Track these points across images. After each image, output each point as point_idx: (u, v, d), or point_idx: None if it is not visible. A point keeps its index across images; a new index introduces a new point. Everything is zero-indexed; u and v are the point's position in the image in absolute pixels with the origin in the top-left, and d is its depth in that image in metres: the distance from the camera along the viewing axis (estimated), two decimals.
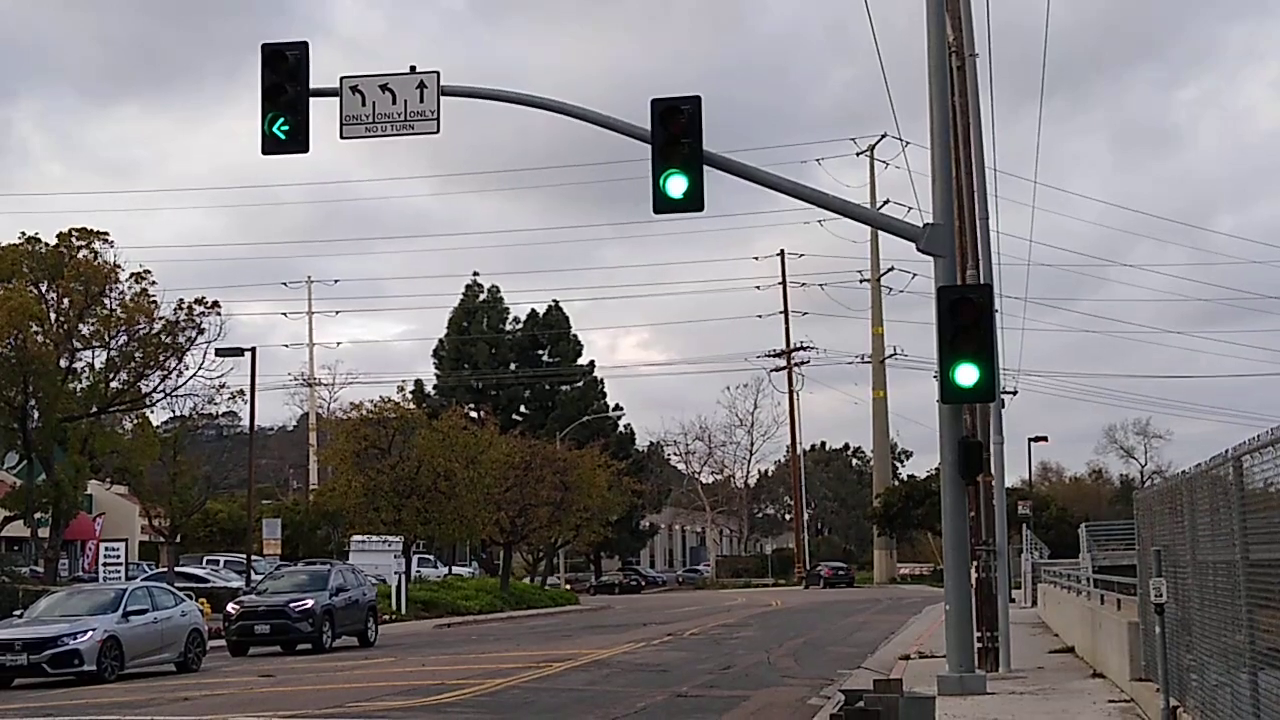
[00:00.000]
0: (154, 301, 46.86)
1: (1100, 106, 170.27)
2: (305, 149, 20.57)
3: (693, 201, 19.56)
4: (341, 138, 20.98)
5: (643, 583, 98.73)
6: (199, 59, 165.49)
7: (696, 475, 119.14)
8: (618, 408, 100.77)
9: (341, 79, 20.96)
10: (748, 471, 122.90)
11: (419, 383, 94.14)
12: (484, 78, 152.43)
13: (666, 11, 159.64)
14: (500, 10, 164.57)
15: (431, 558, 78.04)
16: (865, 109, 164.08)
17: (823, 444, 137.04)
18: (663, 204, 19.61)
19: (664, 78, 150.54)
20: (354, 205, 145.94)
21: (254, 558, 55.13)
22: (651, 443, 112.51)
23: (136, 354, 47.01)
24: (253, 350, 52.12)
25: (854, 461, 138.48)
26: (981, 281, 22.65)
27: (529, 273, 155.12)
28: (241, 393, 51.81)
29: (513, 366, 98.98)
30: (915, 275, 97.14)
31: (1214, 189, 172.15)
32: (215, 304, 47.82)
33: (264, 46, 20.58)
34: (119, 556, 49.80)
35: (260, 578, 45.90)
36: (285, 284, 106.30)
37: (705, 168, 19.62)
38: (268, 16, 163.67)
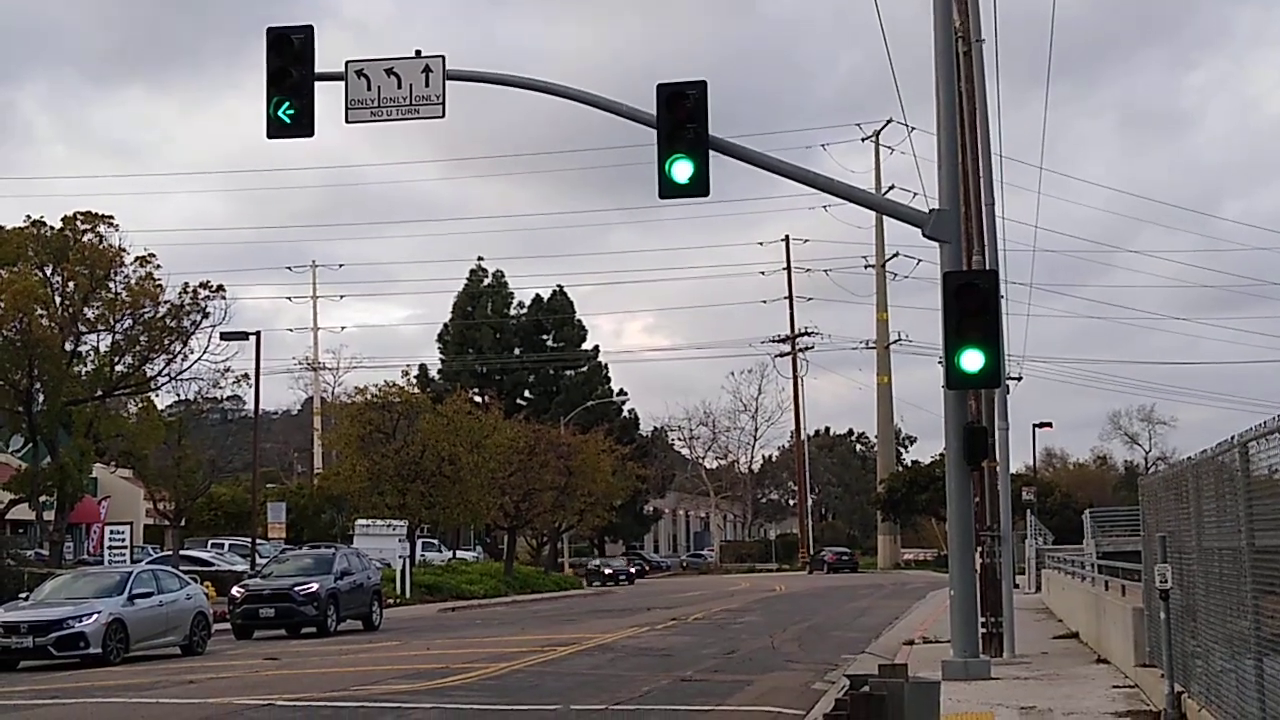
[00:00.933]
0: (159, 285, 46.86)
1: (1108, 91, 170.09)
2: (310, 133, 20.57)
3: (698, 186, 19.56)
4: (347, 122, 21.00)
5: (647, 567, 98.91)
6: (204, 41, 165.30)
7: (701, 460, 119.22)
8: (622, 393, 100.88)
9: (347, 63, 20.94)
10: (752, 457, 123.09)
11: (423, 367, 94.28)
12: (493, 61, 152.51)
13: None
14: None
15: (436, 542, 78.13)
16: (872, 94, 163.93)
17: (827, 429, 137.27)
18: (668, 189, 19.60)
19: (672, 62, 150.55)
20: (361, 189, 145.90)
21: (259, 541, 55.19)
22: (656, 428, 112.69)
23: (141, 337, 47.03)
24: (257, 334, 52.17)
25: (858, 447, 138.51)
26: (987, 267, 22.63)
27: (536, 257, 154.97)
28: (246, 376, 51.89)
29: (517, 351, 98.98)
30: (920, 261, 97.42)
31: (1222, 174, 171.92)
32: (220, 288, 47.86)
33: (269, 30, 20.58)
34: (124, 540, 49.83)
35: (265, 561, 45.97)
36: (290, 268, 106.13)
37: (711, 153, 19.61)
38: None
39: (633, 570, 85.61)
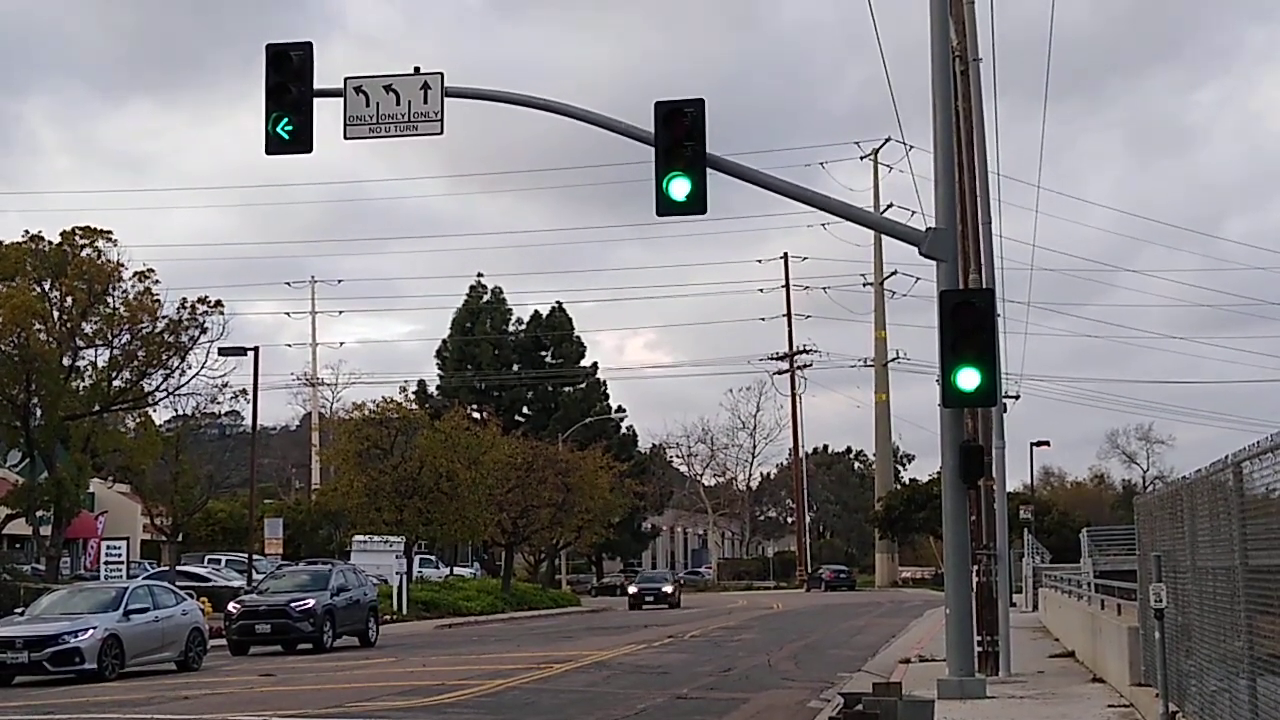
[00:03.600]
0: (157, 300, 46.91)
1: (1115, 108, 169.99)
2: (309, 149, 20.62)
3: (696, 204, 19.58)
4: (345, 138, 21.05)
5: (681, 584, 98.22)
6: (213, 54, 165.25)
7: (699, 477, 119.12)
8: (620, 409, 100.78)
9: (346, 80, 21.01)
10: (750, 474, 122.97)
11: (422, 383, 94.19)
12: (500, 74, 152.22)
13: (683, 10, 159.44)
14: (517, 5, 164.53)
15: (433, 558, 78.04)
16: (875, 111, 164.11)
17: (825, 447, 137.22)
18: (666, 206, 19.63)
19: (679, 76, 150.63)
20: (367, 204, 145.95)
21: (255, 557, 55.14)
22: (654, 445, 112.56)
23: (139, 352, 47.04)
24: (255, 350, 52.19)
25: (856, 465, 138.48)
26: (984, 286, 22.65)
27: (540, 273, 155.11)
28: (244, 392, 51.93)
29: (515, 368, 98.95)
30: (919, 279, 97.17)
31: (1226, 193, 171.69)
32: (218, 303, 47.90)
33: (268, 47, 20.64)
34: (121, 555, 49.83)
35: (261, 577, 45.92)
36: (289, 284, 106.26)
37: (709, 170, 19.64)
38: (282, 11, 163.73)
39: (668, 590, 67.53)
